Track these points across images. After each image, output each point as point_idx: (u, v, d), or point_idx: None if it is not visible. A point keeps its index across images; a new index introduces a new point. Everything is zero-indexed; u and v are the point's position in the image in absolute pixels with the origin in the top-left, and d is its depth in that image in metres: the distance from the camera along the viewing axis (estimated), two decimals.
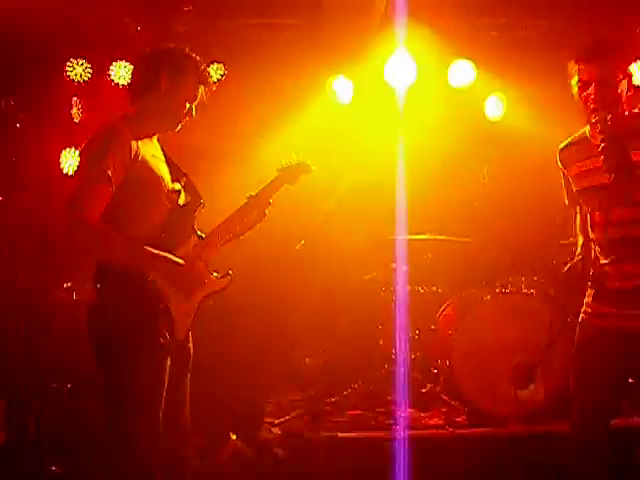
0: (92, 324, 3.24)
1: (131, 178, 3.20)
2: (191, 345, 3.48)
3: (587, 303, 3.58)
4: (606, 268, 3.45)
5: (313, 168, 3.86)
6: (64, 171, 6.68)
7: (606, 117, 3.25)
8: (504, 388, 5.35)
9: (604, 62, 3.34)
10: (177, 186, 3.43)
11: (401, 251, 6.05)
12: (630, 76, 3.41)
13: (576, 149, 3.58)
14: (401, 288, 6.08)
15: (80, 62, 6.65)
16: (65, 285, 5.92)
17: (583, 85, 3.36)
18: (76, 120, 6.78)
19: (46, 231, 5.93)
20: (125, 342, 3.16)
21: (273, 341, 6.41)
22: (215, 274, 3.49)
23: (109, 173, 3.12)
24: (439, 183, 6.76)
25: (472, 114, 6.97)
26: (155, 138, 3.47)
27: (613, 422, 3.53)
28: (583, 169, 3.50)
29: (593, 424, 3.46)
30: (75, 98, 6.77)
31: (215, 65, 6.20)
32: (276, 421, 5.44)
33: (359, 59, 6.64)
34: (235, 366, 5.68)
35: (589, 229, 3.56)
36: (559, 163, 3.66)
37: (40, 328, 5.79)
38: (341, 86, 6.82)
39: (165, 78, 3.37)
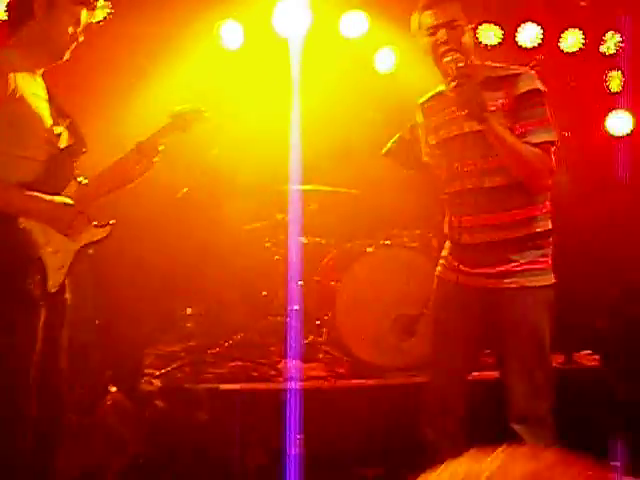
0: None
1: (6, 117, 3.01)
2: (68, 296, 3.34)
3: (444, 257, 3.66)
4: (458, 221, 3.51)
5: (207, 115, 3.74)
6: None
7: (458, 57, 3.27)
8: (386, 340, 5.42)
9: (450, 5, 3.39)
10: (59, 129, 3.25)
11: (291, 201, 6.00)
12: (474, 29, 3.48)
13: (433, 103, 3.64)
14: (291, 238, 6.05)
15: None
16: None
17: (433, 32, 3.37)
18: None
19: None
20: None
21: (153, 291, 6.29)
22: (95, 223, 3.36)
23: None
24: (328, 133, 6.72)
25: (364, 67, 6.94)
26: (39, 74, 3.27)
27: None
28: (439, 121, 3.55)
29: (449, 382, 3.56)
30: None
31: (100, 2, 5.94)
32: (156, 373, 5.35)
33: (249, 2, 6.48)
34: (114, 317, 5.55)
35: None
36: (419, 115, 3.72)
37: None
38: (230, 31, 6.64)
39: (40, 3, 3.16)
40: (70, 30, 3.23)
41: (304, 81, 6.48)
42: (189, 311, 6.57)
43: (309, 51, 6.61)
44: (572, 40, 7.01)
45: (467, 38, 3.40)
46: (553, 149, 3.35)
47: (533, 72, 3.41)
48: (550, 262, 3.46)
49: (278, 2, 6.47)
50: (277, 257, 6.23)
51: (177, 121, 3.63)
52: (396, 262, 5.61)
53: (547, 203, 3.46)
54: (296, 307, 6.01)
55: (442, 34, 3.34)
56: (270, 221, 6.31)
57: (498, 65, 3.47)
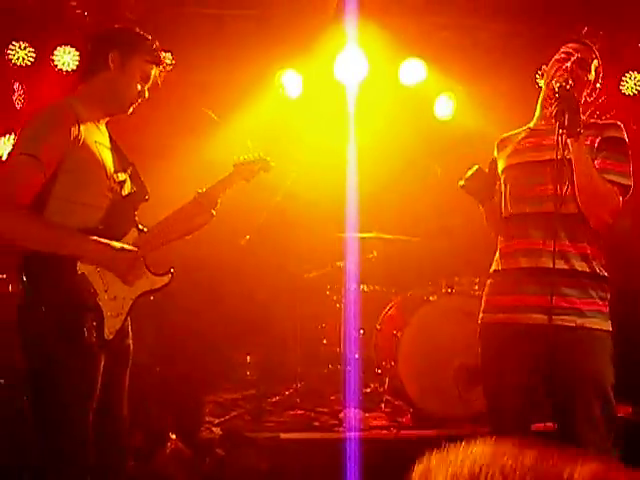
0: (19, 322, 3.08)
1: (69, 164, 3.04)
2: (131, 342, 3.34)
3: (488, 297, 3.53)
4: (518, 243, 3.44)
5: (272, 165, 3.75)
6: (3, 158, 6.48)
7: (572, 80, 3.33)
8: (449, 389, 5.32)
9: (592, 49, 3.56)
10: (122, 176, 3.28)
11: (350, 249, 5.99)
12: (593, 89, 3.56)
13: (515, 135, 3.64)
14: (350, 286, 6.02)
15: (23, 46, 6.43)
16: None
17: (565, 57, 3.50)
18: (18, 106, 6.57)
19: None
20: (48, 342, 3.01)
21: (215, 339, 6.30)
22: (154, 271, 3.36)
23: (40, 157, 2.96)
24: (388, 181, 6.71)
25: (422, 113, 6.94)
26: (103, 124, 3.33)
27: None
28: (516, 148, 3.54)
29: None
30: (17, 83, 6.57)
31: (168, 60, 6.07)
32: (216, 420, 5.33)
33: (309, 53, 6.55)
34: (176, 364, 5.56)
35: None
36: (495, 150, 3.70)
37: None
38: (290, 80, 6.72)
39: (115, 57, 3.23)
40: (139, 87, 3.30)
41: (362, 129, 6.52)
42: (249, 359, 6.55)
43: (369, 99, 6.66)
44: (632, 83, 6.96)
45: (587, 85, 3.51)
46: (623, 195, 3.32)
47: (621, 125, 3.45)
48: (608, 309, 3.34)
49: (338, 53, 6.54)
50: (338, 305, 6.19)
51: (241, 170, 3.64)
52: (458, 310, 5.52)
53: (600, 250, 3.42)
54: (357, 356, 5.96)
55: (573, 59, 3.47)
56: (331, 269, 6.28)
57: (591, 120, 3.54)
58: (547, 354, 3.21)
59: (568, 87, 3.24)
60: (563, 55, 3.52)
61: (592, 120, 3.49)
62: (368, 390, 5.94)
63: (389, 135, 6.65)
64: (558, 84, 3.29)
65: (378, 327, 6.05)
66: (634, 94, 7.01)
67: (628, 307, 5.19)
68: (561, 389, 3.25)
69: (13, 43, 6.42)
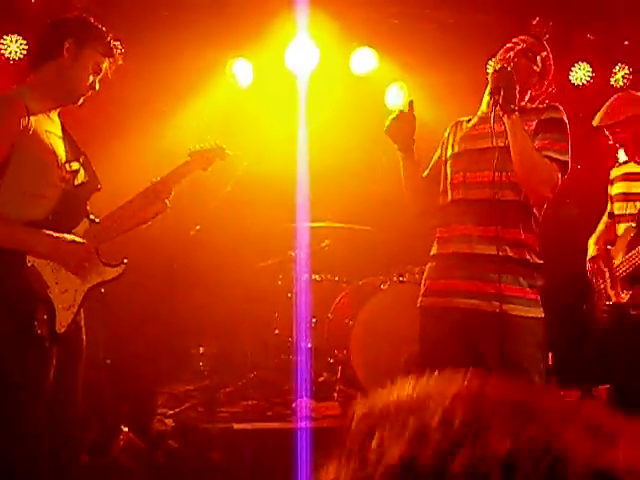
0: None
1: (18, 154, 3.00)
2: (84, 335, 3.30)
3: (427, 280, 3.62)
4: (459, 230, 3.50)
5: (229, 153, 3.73)
6: None
7: (512, 64, 3.43)
8: (400, 378, 5.35)
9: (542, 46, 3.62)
10: (75, 165, 3.24)
11: (301, 238, 5.98)
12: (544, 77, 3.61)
13: (466, 121, 3.71)
14: (301, 276, 6.01)
15: None
16: None
17: (511, 46, 3.58)
18: None
19: None
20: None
21: (165, 330, 6.26)
22: (105, 262, 3.33)
23: None
24: (339, 170, 6.72)
25: (373, 102, 6.95)
26: (55, 113, 3.28)
27: None
28: (464, 134, 3.61)
29: None
30: None
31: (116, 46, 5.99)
32: (169, 412, 5.30)
33: (260, 42, 6.52)
34: (127, 356, 5.51)
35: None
36: (447, 131, 3.76)
37: None
38: (241, 69, 6.68)
39: (69, 47, 3.18)
40: (91, 78, 3.26)
41: (314, 118, 6.51)
42: (202, 350, 6.52)
43: (320, 88, 6.65)
44: (581, 73, 7.04)
45: (533, 72, 3.56)
46: (562, 171, 3.40)
47: (559, 106, 3.53)
48: (537, 297, 3.42)
49: (289, 42, 6.52)
50: (289, 294, 6.18)
51: (197, 159, 3.61)
52: (409, 299, 5.53)
53: (536, 237, 3.49)
54: (309, 345, 5.96)
55: (516, 49, 3.55)
56: (282, 258, 6.27)
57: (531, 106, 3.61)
58: (475, 338, 3.34)
59: (509, 68, 3.34)
60: (510, 45, 3.60)
61: (533, 106, 3.57)
62: (321, 379, 5.95)
63: (340, 124, 6.66)
64: (498, 65, 3.43)
65: (330, 316, 6.06)
66: (583, 84, 7.09)
67: (574, 293, 5.27)
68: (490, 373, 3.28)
69: None
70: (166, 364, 6.12)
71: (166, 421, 5.08)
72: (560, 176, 3.37)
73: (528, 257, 3.38)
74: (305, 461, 4.42)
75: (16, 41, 6.31)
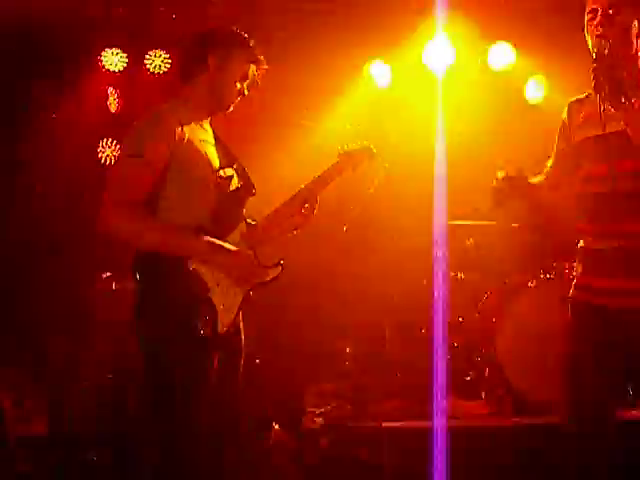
0: (135, 319, 3.17)
1: (176, 163, 3.13)
2: (243, 337, 3.38)
3: (578, 277, 3.31)
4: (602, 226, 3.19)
5: (377, 153, 3.75)
6: (101, 161, 6.69)
7: (607, 43, 3.01)
8: (550, 376, 5.25)
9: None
10: (229, 171, 3.35)
11: (444, 237, 5.95)
12: None
13: (584, 103, 3.32)
14: (448, 275, 5.98)
15: (115, 51, 6.63)
16: (104, 275, 5.89)
17: (592, 15, 3.14)
18: (112, 110, 6.77)
19: (84, 220, 5.93)
20: (163, 335, 3.09)
21: (313, 329, 6.35)
22: (264, 263, 3.40)
23: (146, 155, 3.06)
24: (479, 167, 6.64)
25: (513, 97, 6.85)
26: (206, 123, 3.40)
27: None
28: (588, 117, 3.23)
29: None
30: (111, 88, 6.76)
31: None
32: (318, 410, 5.38)
33: (397, 43, 6.54)
34: (277, 355, 5.62)
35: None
36: (565, 114, 3.42)
37: (80, 319, 5.79)
38: (379, 71, 6.73)
39: (213, 58, 3.30)
40: (238, 85, 3.36)
41: (452, 116, 6.47)
42: (348, 350, 6.58)
43: (458, 86, 6.61)
44: None
45: (627, 28, 3.11)
46: None
47: None
48: None
49: (426, 42, 6.53)
50: (436, 294, 6.15)
51: (346, 160, 3.66)
52: (557, 296, 5.43)
53: None
54: (456, 344, 5.93)
55: (598, 18, 3.09)
56: (428, 257, 6.25)
57: None
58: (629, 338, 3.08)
59: (605, 51, 3.00)
60: (590, 10, 3.17)
61: None
62: (468, 378, 5.90)
63: (479, 121, 6.58)
64: (595, 50, 3.04)
65: (477, 315, 6.00)
66: None
67: None
68: None
69: (106, 49, 6.60)
70: (313, 363, 6.21)
71: (316, 419, 5.16)
72: None
73: None
74: (449, 459, 4.39)
75: (159, 56, 6.59)
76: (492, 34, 6.68)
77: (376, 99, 6.84)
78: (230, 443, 3.32)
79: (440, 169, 6.23)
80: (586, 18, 3.17)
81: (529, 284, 5.67)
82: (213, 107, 3.38)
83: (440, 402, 5.28)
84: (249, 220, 3.41)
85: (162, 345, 3.10)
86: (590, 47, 3.13)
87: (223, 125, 3.54)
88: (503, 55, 6.71)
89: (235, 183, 3.38)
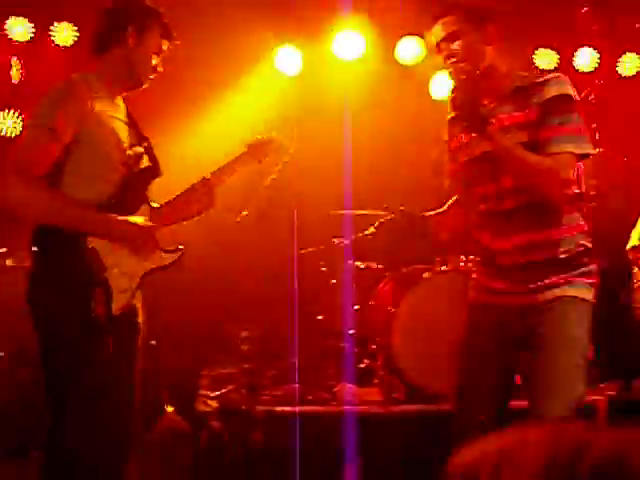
0: (28, 295, 3.13)
1: (83, 136, 3.09)
2: (140, 319, 3.37)
3: (475, 279, 3.49)
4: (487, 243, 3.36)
5: (285, 144, 3.76)
6: (1, 133, 6.51)
7: (461, 67, 3.14)
8: (443, 365, 5.38)
9: (449, 18, 3.20)
10: (138, 150, 3.32)
11: (345, 226, 6.02)
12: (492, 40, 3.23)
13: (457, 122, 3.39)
14: (346, 263, 6.05)
15: (21, 21, 6.44)
16: None
17: (438, 49, 3.24)
18: (14, 80, 6.58)
19: None
20: (54, 315, 3.06)
21: (208, 313, 6.34)
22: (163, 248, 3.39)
23: (55, 127, 3.01)
24: (385, 157, 6.74)
25: (420, 92, 6.96)
26: (119, 99, 3.36)
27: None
28: (457, 144, 3.41)
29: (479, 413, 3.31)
30: (15, 58, 6.58)
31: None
32: (212, 394, 5.39)
33: (308, 30, 6.57)
34: (170, 338, 5.60)
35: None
36: (447, 138, 3.53)
37: None
38: (288, 56, 6.74)
39: (132, 33, 3.26)
40: (154, 61, 3.34)
41: (359, 107, 6.53)
42: (244, 334, 6.60)
43: (366, 76, 6.68)
44: (629, 64, 6.95)
45: (474, 45, 3.20)
46: (578, 159, 3.12)
47: (564, 76, 3.19)
48: (591, 281, 3.22)
49: (336, 29, 6.57)
50: (333, 281, 6.23)
51: (253, 152, 3.67)
52: (453, 288, 5.56)
53: (580, 223, 3.24)
54: (351, 331, 6.01)
55: (445, 48, 3.21)
56: (326, 245, 6.32)
57: (526, 74, 3.28)
58: (526, 329, 3.22)
59: (462, 76, 3.14)
60: (436, 45, 3.27)
61: (530, 77, 3.23)
62: (362, 366, 6.00)
63: (386, 113, 6.67)
64: (450, 76, 3.19)
65: (372, 303, 6.10)
66: (632, 75, 7.00)
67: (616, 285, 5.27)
68: (533, 360, 3.20)
69: (11, 18, 6.42)
70: (210, 347, 6.21)
71: (209, 403, 5.17)
72: (573, 167, 3.11)
73: (568, 250, 3.17)
74: (347, 444, 4.48)
75: (67, 28, 6.45)
76: (402, 28, 6.77)
77: (284, 85, 6.84)
78: (125, 427, 3.31)
79: (346, 159, 6.30)
80: (437, 54, 3.29)
81: (424, 275, 5.78)
82: (128, 82, 3.35)
83: (342, 388, 5.38)
84: (152, 203, 3.39)
85: (53, 325, 3.07)
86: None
87: (133, 101, 3.51)
88: (412, 49, 6.80)
89: (143, 163, 3.36)
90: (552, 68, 6.93)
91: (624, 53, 6.96)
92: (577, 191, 3.21)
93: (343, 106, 6.58)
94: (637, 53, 6.95)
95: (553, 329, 3.17)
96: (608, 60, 6.92)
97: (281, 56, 6.72)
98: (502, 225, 3.24)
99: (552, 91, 3.08)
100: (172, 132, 5.99)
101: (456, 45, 3.17)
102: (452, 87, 3.17)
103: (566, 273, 3.16)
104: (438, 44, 3.24)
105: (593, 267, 3.23)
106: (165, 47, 3.39)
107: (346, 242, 6.08)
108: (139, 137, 3.38)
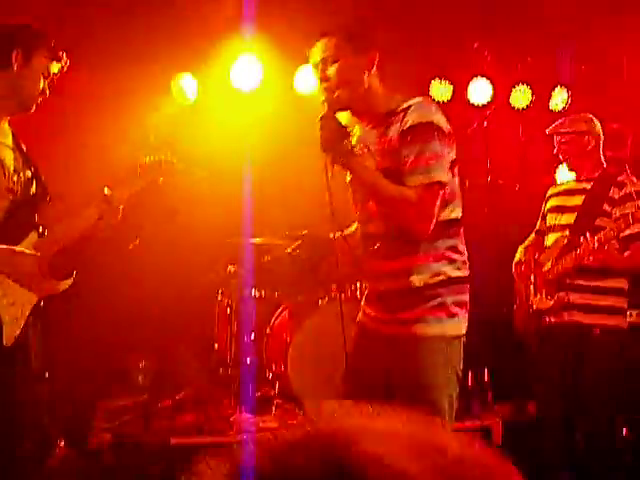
0: None
1: None
2: (32, 349, 3.28)
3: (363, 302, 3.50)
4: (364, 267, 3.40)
5: (180, 168, 3.74)
6: None
7: (327, 97, 3.14)
8: (336, 393, 5.41)
9: (327, 41, 3.17)
10: (24, 176, 3.25)
11: (242, 254, 6.01)
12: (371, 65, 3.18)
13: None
14: (242, 291, 6.04)
15: None
16: None
17: (314, 70, 3.23)
18: None
19: None
20: None
21: (104, 344, 6.23)
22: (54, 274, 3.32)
23: None
24: (284, 187, 6.77)
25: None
26: (5, 122, 3.28)
27: None
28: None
29: None
30: None
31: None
32: (107, 425, 5.28)
33: (206, 58, 6.57)
34: (65, 368, 5.47)
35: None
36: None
37: None
38: (186, 85, 6.71)
39: (17, 56, 3.20)
40: (41, 84, 3.27)
41: (258, 135, 6.56)
42: (141, 365, 6.51)
43: (263, 105, 6.71)
44: (521, 96, 7.16)
45: (351, 71, 3.14)
46: (435, 191, 3.04)
47: (426, 101, 3.17)
48: (454, 312, 3.14)
49: (234, 59, 6.59)
50: (229, 310, 6.21)
51: (146, 173, 3.63)
52: (347, 315, 5.60)
53: (442, 251, 3.15)
54: (248, 360, 6.00)
55: (322, 71, 3.17)
56: (223, 273, 6.29)
57: (401, 98, 3.18)
58: (388, 361, 3.25)
59: (325, 110, 3.15)
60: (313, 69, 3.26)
61: (398, 101, 3.15)
62: (259, 394, 5.99)
63: (284, 142, 6.71)
64: (322, 103, 3.17)
65: (268, 332, 6.10)
66: (524, 108, 7.21)
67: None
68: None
69: None
70: (105, 378, 6.09)
71: (104, 435, 5.06)
72: (433, 199, 3.03)
73: (428, 278, 3.12)
74: (244, 474, 4.44)
75: None
76: (300, 57, 6.81)
77: (182, 113, 6.81)
78: (12, 460, 3.22)
79: (245, 186, 6.30)
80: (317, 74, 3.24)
81: (320, 302, 5.82)
82: (15, 106, 3.29)
83: (239, 417, 5.34)
84: (41, 229, 3.32)
85: None
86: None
87: (23, 128, 3.44)
88: (309, 79, 6.85)
89: (31, 189, 3.29)
90: (446, 100, 7.10)
91: (517, 85, 7.16)
92: (448, 218, 3.16)
93: (243, 135, 6.60)
94: (529, 85, 7.15)
95: (407, 376, 3.17)
96: (501, 92, 7.12)
97: (178, 84, 6.69)
98: (370, 250, 3.25)
99: (411, 119, 3.02)
100: (74, 160, 5.91)
101: (332, 69, 3.13)
102: (320, 115, 3.15)
103: (420, 305, 3.12)
104: (315, 65, 3.20)
105: (456, 297, 3.16)
106: (54, 70, 3.33)
107: (243, 270, 6.08)
108: (27, 162, 3.31)
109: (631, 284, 4.54)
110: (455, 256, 3.18)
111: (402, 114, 3.05)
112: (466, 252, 3.25)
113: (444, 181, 3.03)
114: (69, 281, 3.34)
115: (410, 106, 3.06)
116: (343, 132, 3.11)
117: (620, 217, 4.29)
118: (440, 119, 3.08)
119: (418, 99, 3.12)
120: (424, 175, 3.00)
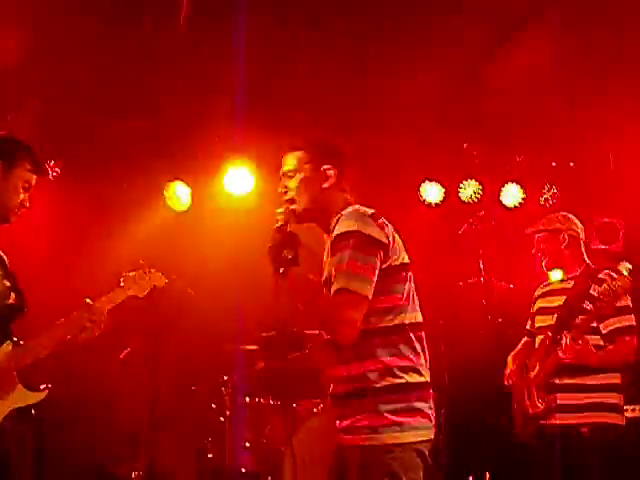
0: None
1: None
2: (13, 462, 3.21)
3: None
4: None
5: (165, 280, 3.73)
6: None
7: (280, 212, 3.18)
8: None
9: (291, 155, 3.24)
10: (6, 283, 3.24)
11: (235, 361, 5.97)
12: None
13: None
14: (235, 399, 5.96)
15: None
16: None
17: (285, 177, 3.24)
18: None
19: None
20: None
21: (97, 454, 6.13)
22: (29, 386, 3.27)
23: None
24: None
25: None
26: None
27: None
28: None
29: None
30: None
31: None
32: None
33: (197, 166, 6.66)
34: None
35: None
36: None
37: None
38: (179, 192, 6.78)
39: None
40: (21, 196, 3.29)
41: (252, 241, 6.58)
42: (134, 475, 6.37)
43: (257, 211, 6.77)
44: (511, 195, 7.22)
45: (308, 186, 3.19)
46: (352, 301, 2.95)
47: (350, 212, 3.08)
48: (395, 420, 2.96)
49: (227, 166, 6.68)
50: (222, 418, 6.10)
51: (130, 285, 3.61)
52: None
53: (381, 358, 3.01)
54: (243, 469, 5.88)
55: (283, 182, 3.23)
56: (215, 381, 6.22)
57: (351, 210, 3.12)
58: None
59: (278, 225, 3.15)
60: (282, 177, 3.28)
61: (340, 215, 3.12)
62: None
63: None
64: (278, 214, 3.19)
65: (264, 441, 5.98)
66: (515, 206, 7.24)
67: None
68: None
69: None
70: None
71: None
72: (349, 305, 2.95)
73: (372, 384, 2.98)
74: None
75: None
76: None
77: (175, 220, 6.87)
78: None
79: (238, 294, 6.30)
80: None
81: (316, 409, 5.72)
82: None
83: None
84: (16, 339, 3.29)
85: None
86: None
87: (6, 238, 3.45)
88: None
89: (8, 298, 3.27)
90: (438, 201, 7.16)
91: (506, 185, 7.21)
92: (391, 324, 3.06)
93: (236, 241, 6.63)
94: (519, 185, 7.20)
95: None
96: (491, 191, 7.17)
97: (172, 192, 6.76)
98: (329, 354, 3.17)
99: (337, 229, 3.04)
100: (60, 269, 5.92)
101: (292, 183, 3.20)
102: (275, 226, 3.16)
103: (356, 414, 3.01)
104: (280, 176, 3.26)
105: (400, 405, 3.00)
106: (34, 181, 3.35)
107: (235, 378, 6.01)
108: (6, 272, 3.30)
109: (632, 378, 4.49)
110: (402, 363, 3.04)
111: (335, 225, 3.07)
112: (422, 357, 3.12)
113: (352, 288, 2.95)
114: (41, 394, 3.28)
115: (338, 217, 3.08)
116: (287, 243, 3.08)
117: (592, 312, 4.32)
118: (366, 227, 3.03)
119: (349, 209, 3.11)
120: (337, 283, 2.97)
